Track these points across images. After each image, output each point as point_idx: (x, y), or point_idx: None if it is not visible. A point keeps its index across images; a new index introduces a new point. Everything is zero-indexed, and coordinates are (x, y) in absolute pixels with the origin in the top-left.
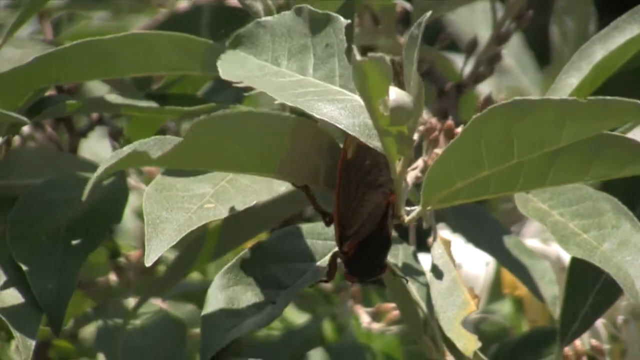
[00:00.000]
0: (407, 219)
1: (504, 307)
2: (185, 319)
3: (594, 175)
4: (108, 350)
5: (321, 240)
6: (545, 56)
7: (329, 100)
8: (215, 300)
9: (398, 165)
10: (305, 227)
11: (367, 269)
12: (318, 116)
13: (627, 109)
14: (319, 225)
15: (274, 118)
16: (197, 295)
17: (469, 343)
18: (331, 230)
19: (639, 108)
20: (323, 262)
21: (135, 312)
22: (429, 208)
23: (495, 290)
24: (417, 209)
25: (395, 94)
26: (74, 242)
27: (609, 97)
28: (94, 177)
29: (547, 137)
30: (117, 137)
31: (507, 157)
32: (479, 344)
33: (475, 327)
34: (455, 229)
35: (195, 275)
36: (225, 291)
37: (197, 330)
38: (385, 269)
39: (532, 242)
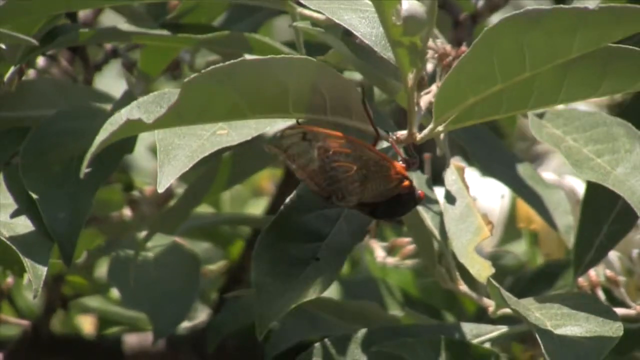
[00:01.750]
0: (419, 137)
1: (520, 245)
2: (202, 257)
3: (606, 90)
4: (120, 282)
5: None
6: None
7: (352, 10)
8: (262, 262)
9: (410, 79)
10: None
11: (392, 215)
12: (338, 21)
13: (638, 16)
14: None
15: (269, 63)
16: (212, 232)
17: (482, 269)
18: None
19: None
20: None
21: (146, 242)
22: (441, 128)
23: (511, 225)
24: (430, 127)
25: (408, 4)
26: (87, 171)
27: (620, 5)
28: (89, 152)
29: (559, 47)
30: (131, 69)
31: (519, 69)
32: (493, 270)
33: (490, 260)
34: (471, 161)
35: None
36: (270, 251)
37: (212, 267)
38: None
39: (547, 174)
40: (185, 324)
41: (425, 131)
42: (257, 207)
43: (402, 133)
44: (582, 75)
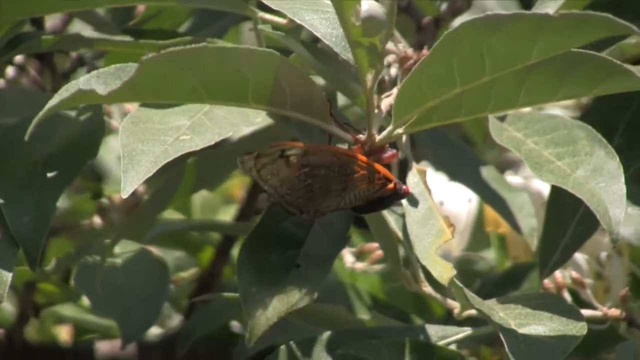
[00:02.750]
0: (378, 138)
1: (488, 249)
2: (174, 264)
3: (565, 94)
4: (88, 289)
5: None
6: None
7: (314, 10)
8: (246, 270)
9: (369, 80)
10: None
11: (373, 211)
12: (299, 22)
13: (599, 24)
14: None
15: (230, 52)
16: (183, 239)
17: (444, 271)
18: None
19: (611, 22)
20: None
21: (112, 248)
22: (401, 130)
23: (478, 229)
24: (389, 128)
25: (368, 5)
26: (50, 176)
27: (580, 11)
28: (38, 115)
29: (519, 52)
30: None
31: (478, 73)
32: (454, 272)
33: (459, 264)
34: (437, 166)
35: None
36: (252, 259)
37: (184, 274)
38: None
39: (513, 178)
40: (157, 331)
41: (385, 133)
42: (228, 214)
43: (362, 135)
44: (542, 80)
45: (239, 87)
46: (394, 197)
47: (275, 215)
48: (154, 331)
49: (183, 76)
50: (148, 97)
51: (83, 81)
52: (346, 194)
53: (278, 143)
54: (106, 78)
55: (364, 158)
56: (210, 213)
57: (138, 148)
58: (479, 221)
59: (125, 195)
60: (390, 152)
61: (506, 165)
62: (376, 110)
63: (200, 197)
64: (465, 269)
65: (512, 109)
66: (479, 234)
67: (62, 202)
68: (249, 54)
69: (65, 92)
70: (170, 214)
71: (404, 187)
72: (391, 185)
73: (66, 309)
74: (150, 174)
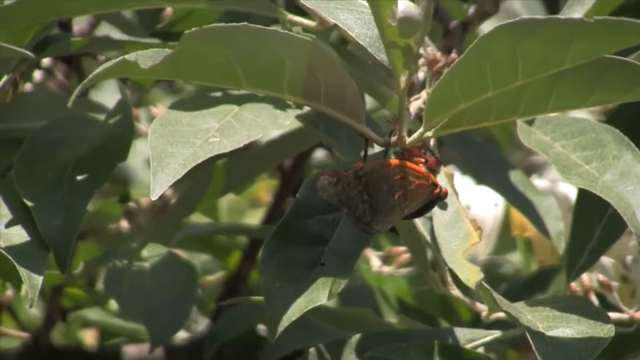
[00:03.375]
0: (408, 140)
1: (514, 253)
2: (201, 268)
3: (596, 100)
4: (116, 292)
5: None
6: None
7: (349, 10)
8: (270, 267)
9: (402, 81)
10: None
11: (418, 215)
12: (334, 21)
13: (633, 30)
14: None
15: (269, 33)
16: (210, 243)
17: (471, 274)
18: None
19: None
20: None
21: (140, 251)
22: (430, 133)
23: (505, 232)
24: (420, 130)
25: (404, 5)
26: (80, 178)
27: (615, 17)
28: (82, 83)
29: (553, 57)
30: (125, 80)
31: (511, 77)
32: (482, 275)
33: (485, 268)
34: (464, 169)
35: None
36: (276, 256)
37: (211, 278)
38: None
39: (539, 181)
40: (184, 335)
41: (415, 135)
42: (255, 218)
43: (393, 138)
44: (573, 85)
45: (275, 72)
46: (437, 200)
47: (300, 213)
48: (181, 335)
49: (222, 54)
50: (187, 74)
51: (126, 56)
52: (407, 204)
53: (353, 167)
54: (146, 57)
55: (420, 168)
56: (237, 216)
57: (167, 150)
58: (505, 225)
59: (154, 197)
60: (434, 158)
61: (531, 168)
62: (406, 102)
63: (227, 201)
64: (492, 273)
65: (542, 114)
66: (504, 238)
67: (90, 206)
68: (286, 37)
69: (109, 63)
70: (198, 218)
71: (444, 189)
72: (437, 190)
73: (92, 313)
74: (180, 176)
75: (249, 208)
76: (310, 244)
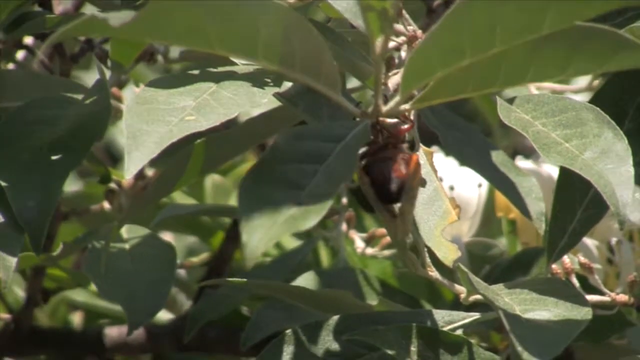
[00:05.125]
0: (384, 109)
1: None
2: (187, 249)
3: (575, 70)
4: (94, 274)
5: (327, 142)
6: None
7: None
8: (248, 200)
9: (378, 45)
10: (310, 129)
11: None
12: None
13: None
14: (323, 126)
15: None
16: (194, 224)
17: (449, 252)
18: (334, 130)
19: None
20: (328, 164)
21: (117, 232)
22: (408, 106)
23: (491, 214)
24: (396, 99)
25: None
26: (56, 159)
27: None
28: (51, 37)
29: (530, 22)
30: (105, 59)
31: (489, 44)
32: (459, 254)
33: (469, 249)
34: (445, 148)
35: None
36: (254, 192)
37: (194, 259)
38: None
39: (523, 162)
40: (168, 316)
41: (391, 104)
42: None
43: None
44: (551, 55)
45: (249, 36)
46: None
47: (277, 158)
48: (166, 316)
49: (193, 14)
50: (157, 34)
51: (96, 13)
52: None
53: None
54: (118, 14)
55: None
56: (222, 197)
57: (142, 129)
58: (492, 207)
59: (128, 176)
60: (407, 125)
61: (523, 149)
62: (383, 87)
63: (213, 182)
64: (476, 254)
65: (521, 83)
66: (494, 220)
67: (75, 187)
68: (261, 2)
69: (78, 19)
70: (183, 199)
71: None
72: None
73: (78, 294)
74: (155, 155)
75: (235, 189)
76: (288, 187)
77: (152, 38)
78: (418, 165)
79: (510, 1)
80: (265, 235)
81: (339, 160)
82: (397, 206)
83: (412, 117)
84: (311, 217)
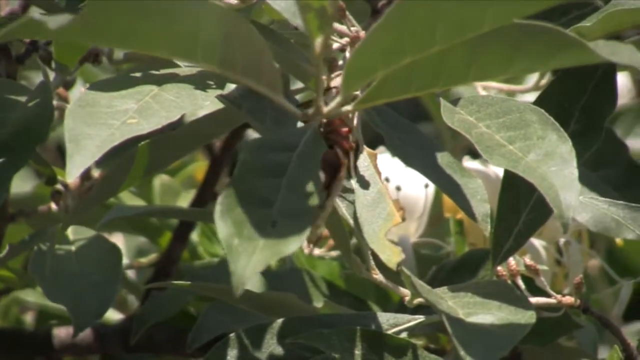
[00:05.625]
0: (325, 110)
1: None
2: (137, 250)
3: (518, 68)
4: (40, 275)
5: (283, 152)
6: None
7: None
8: (226, 225)
9: (318, 45)
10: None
11: None
12: None
13: None
14: (275, 135)
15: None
16: (142, 225)
17: (393, 255)
18: (285, 139)
19: None
20: (289, 175)
21: (62, 233)
22: (350, 107)
23: (438, 214)
24: (337, 100)
25: None
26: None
27: None
28: None
29: (471, 19)
30: (49, 61)
31: (429, 42)
32: (403, 256)
33: (415, 251)
34: (390, 149)
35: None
36: (231, 215)
37: (143, 260)
38: None
39: (470, 163)
40: (119, 317)
41: (332, 104)
42: (189, 199)
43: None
44: (493, 53)
45: (188, 37)
46: None
47: (248, 174)
48: (116, 317)
49: (132, 16)
50: (96, 37)
51: (35, 15)
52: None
53: None
54: (57, 17)
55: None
56: (171, 198)
57: (84, 132)
58: (441, 207)
59: (70, 179)
60: (345, 129)
61: (475, 150)
62: (326, 88)
63: (161, 183)
64: (424, 255)
65: (463, 82)
66: (443, 220)
67: (23, 188)
68: (200, 3)
69: (16, 22)
70: (131, 200)
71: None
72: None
73: (29, 295)
74: (96, 158)
75: (184, 190)
76: (260, 206)
77: (91, 40)
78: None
79: None
80: (248, 262)
81: (299, 171)
82: None
83: (355, 119)
84: (290, 241)
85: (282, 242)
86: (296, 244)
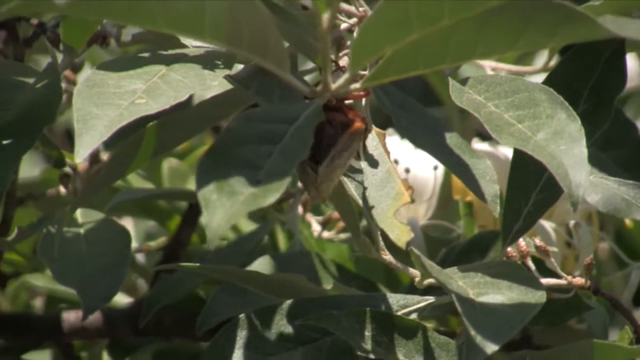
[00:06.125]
0: (333, 87)
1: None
2: (147, 234)
3: (525, 43)
4: (49, 259)
5: (280, 124)
6: None
7: None
8: (206, 181)
9: (325, 20)
10: (262, 111)
11: None
12: None
13: None
14: (275, 108)
15: None
16: (151, 208)
17: (402, 234)
18: (287, 112)
19: None
20: (284, 144)
21: (70, 216)
22: (358, 85)
23: (447, 196)
24: (345, 76)
25: None
26: (6, 143)
27: None
28: None
29: None
30: (57, 43)
31: (437, 17)
32: (412, 235)
33: (425, 232)
34: (399, 131)
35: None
36: (212, 173)
37: (152, 243)
38: None
39: (479, 145)
40: (128, 300)
41: (340, 81)
42: None
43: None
44: (500, 28)
45: (195, 14)
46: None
47: (232, 141)
48: (125, 301)
49: None
50: (102, 11)
51: None
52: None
53: None
54: None
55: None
56: (179, 182)
57: (92, 112)
58: (451, 189)
59: (79, 159)
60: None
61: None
62: (333, 66)
63: (169, 166)
64: (434, 237)
65: (471, 58)
66: (453, 203)
67: (32, 172)
68: None
69: None
70: (140, 184)
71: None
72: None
73: (38, 279)
74: (105, 139)
75: (193, 173)
76: (245, 167)
77: (97, 14)
78: (353, 133)
79: None
80: (225, 214)
81: (294, 141)
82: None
83: (363, 100)
84: (271, 194)
85: (262, 195)
86: (275, 196)
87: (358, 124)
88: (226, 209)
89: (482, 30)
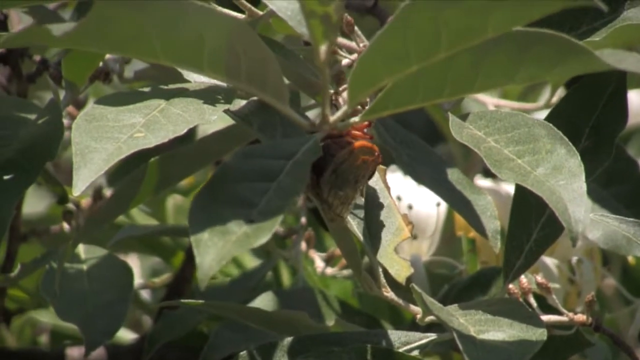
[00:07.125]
0: (332, 119)
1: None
2: (151, 270)
3: (523, 77)
4: (51, 295)
5: (278, 159)
6: None
7: None
8: (198, 220)
9: (322, 52)
10: (260, 147)
11: None
12: None
13: None
14: (273, 143)
15: (188, 5)
16: (156, 244)
17: (402, 269)
18: (284, 147)
19: None
20: (280, 181)
21: (71, 251)
22: (357, 118)
23: (450, 233)
24: (344, 109)
25: None
26: (8, 179)
27: None
28: None
29: (474, 25)
30: (59, 80)
31: (434, 48)
32: (412, 270)
33: (428, 270)
34: (401, 167)
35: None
36: (205, 211)
37: (156, 280)
38: None
39: (482, 181)
40: (131, 336)
41: (338, 113)
42: None
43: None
44: (498, 62)
45: (194, 46)
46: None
47: (228, 177)
48: (130, 336)
49: (137, 23)
50: (101, 44)
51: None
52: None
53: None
54: (62, 25)
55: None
56: (184, 218)
57: (91, 146)
58: (450, 224)
59: (76, 193)
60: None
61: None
62: (334, 101)
63: (174, 203)
64: (436, 274)
65: (470, 92)
66: (456, 239)
67: (37, 208)
68: (206, 11)
69: (22, 30)
70: (145, 220)
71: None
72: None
73: (42, 315)
74: (103, 172)
75: None
76: (240, 206)
77: (96, 47)
78: (356, 152)
79: (454, 4)
80: (217, 255)
81: (290, 177)
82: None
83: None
84: (263, 233)
85: (254, 235)
86: (267, 235)
87: (363, 142)
88: (218, 249)
89: (480, 62)
